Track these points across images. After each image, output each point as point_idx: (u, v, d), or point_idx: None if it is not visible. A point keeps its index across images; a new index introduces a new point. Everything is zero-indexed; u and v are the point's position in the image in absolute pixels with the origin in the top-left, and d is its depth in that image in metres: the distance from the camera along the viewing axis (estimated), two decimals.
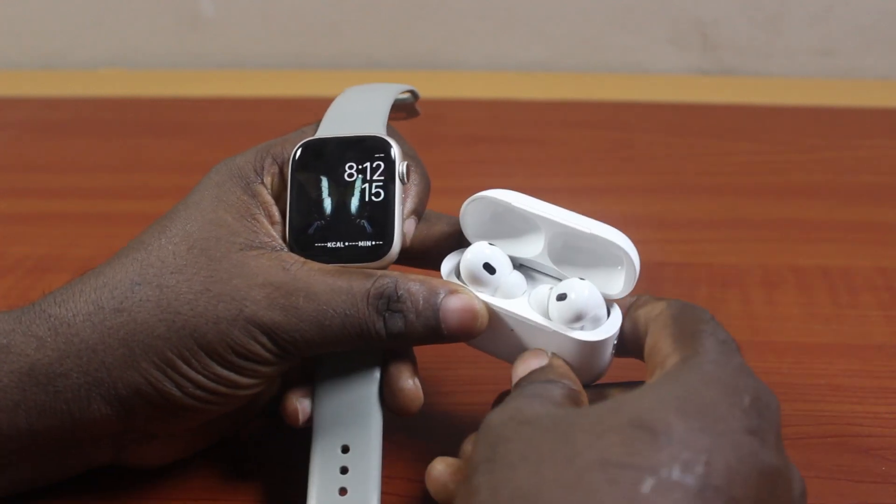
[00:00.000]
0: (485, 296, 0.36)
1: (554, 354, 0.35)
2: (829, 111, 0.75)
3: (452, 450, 0.42)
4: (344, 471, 0.36)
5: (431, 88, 0.79)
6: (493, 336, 0.37)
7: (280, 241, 0.36)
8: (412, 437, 0.43)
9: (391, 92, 0.41)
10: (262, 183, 0.37)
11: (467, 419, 0.44)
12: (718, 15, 0.81)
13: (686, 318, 0.32)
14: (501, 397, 0.37)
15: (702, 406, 0.27)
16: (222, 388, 0.35)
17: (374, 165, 0.36)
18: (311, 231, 0.36)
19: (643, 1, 0.81)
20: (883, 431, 0.42)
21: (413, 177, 0.38)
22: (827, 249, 0.57)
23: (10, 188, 0.66)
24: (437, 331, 0.35)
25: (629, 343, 0.35)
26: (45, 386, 0.34)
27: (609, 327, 0.35)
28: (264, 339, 0.34)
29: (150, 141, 0.72)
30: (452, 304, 0.35)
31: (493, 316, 0.36)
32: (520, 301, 0.36)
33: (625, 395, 0.29)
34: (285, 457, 0.41)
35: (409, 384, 0.37)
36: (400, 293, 0.35)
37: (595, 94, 0.78)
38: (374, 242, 0.36)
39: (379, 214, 0.36)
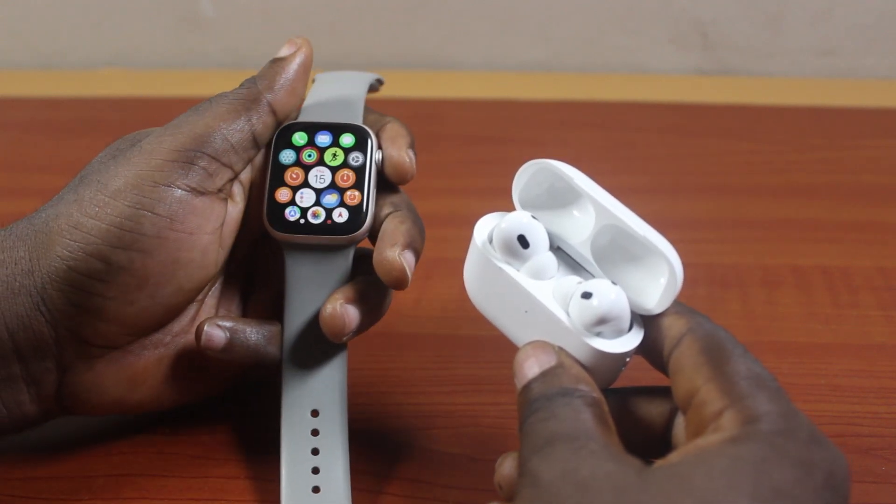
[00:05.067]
0: (510, 270, 0.34)
1: (561, 349, 0.33)
2: (829, 111, 0.75)
3: (453, 448, 0.42)
4: (315, 433, 0.38)
5: (431, 88, 0.79)
6: (505, 310, 0.35)
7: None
8: (412, 437, 0.43)
9: (364, 81, 0.44)
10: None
11: (466, 419, 0.44)
12: (718, 15, 0.81)
13: (715, 350, 0.31)
14: (525, 405, 0.32)
15: (774, 489, 0.26)
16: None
17: (353, 151, 0.40)
18: (286, 207, 0.39)
19: (643, 1, 0.81)
20: (883, 431, 0.42)
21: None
22: (827, 249, 0.57)
23: (10, 188, 0.66)
24: None
25: (640, 346, 0.33)
26: None
27: (628, 341, 0.33)
28: None
29: None
30: None
31: (513, 292, 0.34)
32: (544, 286, 0.34)
33: (691, 468, 0.27)
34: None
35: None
36: None
37: (595, 94, 0.78)
38: (346, 219, 0.39)
39: (354, 195, 0.39)
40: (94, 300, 0.36)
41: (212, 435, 0.42)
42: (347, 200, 0.39)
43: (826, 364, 0.47)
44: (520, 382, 0.32)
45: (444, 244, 0.53)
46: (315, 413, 0.38)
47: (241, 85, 0.40)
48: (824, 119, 0.74)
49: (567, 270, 0.35)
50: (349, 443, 0.38)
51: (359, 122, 0.41)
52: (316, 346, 0.39)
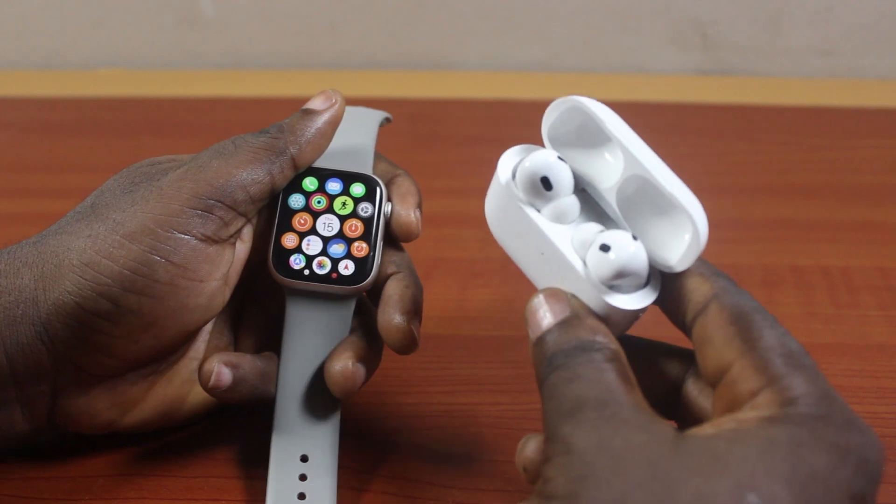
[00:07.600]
0: (530, 211, 0.33)
1: (574, 297, 0.32)
2: (829, 111, 0.75)
3: (453, 448, 0.42)
4: (303, 478, 0.38)
5: (431, 88, 0.79)
6: (522, 249, 0.34)
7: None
8: (412, 437, 0.43)
9: (374, 123, 0.43)
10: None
11: (466, 419, 0.44)
12: (718, 15, 0.81)
13: (745, 321, 0.30)
14: (542, 360, 0.31)
15: (810, 475, 0.26)
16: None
17: (363, 202, 0.39)
18: (293, 254, 0.38)
19: (643, 1, 0.81)
20: (883, 431, 0.42)
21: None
22: (827, 249, 0.57)
23: (10, 188, 0.66)
24: None
25: (661, 302, 0.33)
26: None
27: (643, 298, 0.32)
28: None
29: (150, 141, 0.72)
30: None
31: (531, 233, 0.33)
32: (564, 230, 0.33)
33: (727, 446, 0.27)
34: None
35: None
36: None
37: (595, 94, 0.78)
38: (352, 271, 0.38)
39: (361, 247, 0.39)
40: (98, 336, 0.36)
41: (212, 435, 0.42)
42: (354, 252, 0.38)
43: (826, 364, 0.47)
44: (533, 333, 0.32)
45: (443, 244, 0.53)
46: (304, 458, 0.38)
47: (267, 130, 0.39)
48: (824, 119, 0.74)
49: (589, 215, 0.34)
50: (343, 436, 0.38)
51: (369, 171, 0.40)
52: (312, 391, 0.39)
